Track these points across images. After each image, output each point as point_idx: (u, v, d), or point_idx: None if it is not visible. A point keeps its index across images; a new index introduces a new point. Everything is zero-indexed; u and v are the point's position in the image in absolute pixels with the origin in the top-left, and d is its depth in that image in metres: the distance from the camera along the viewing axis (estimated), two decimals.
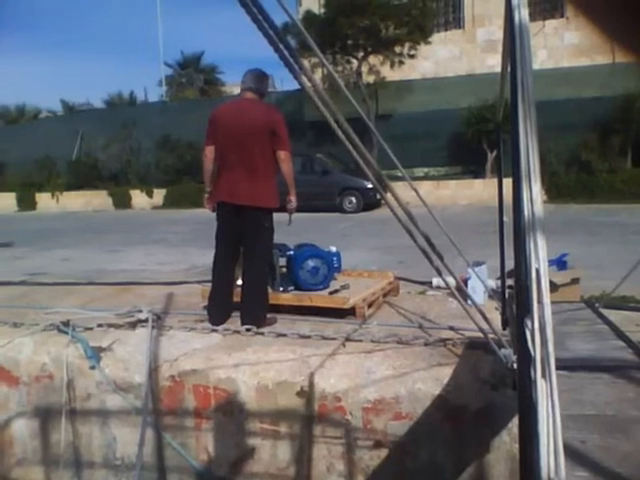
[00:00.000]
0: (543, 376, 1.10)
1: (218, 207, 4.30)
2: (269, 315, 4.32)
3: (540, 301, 1.16)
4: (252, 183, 4.11)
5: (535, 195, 1.21)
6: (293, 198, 4.35)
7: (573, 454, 1.76)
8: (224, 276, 4.36)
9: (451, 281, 2.39)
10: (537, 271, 1.17)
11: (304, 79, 1.45)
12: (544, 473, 1.04)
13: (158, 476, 3.89)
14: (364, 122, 2.54)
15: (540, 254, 1.18)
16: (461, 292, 2.47)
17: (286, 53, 1.39)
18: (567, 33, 18.24)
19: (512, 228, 1.52)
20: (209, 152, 4.28)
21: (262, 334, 4.04)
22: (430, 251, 1.98)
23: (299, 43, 12.52)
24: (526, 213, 1.22)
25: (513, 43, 1.42)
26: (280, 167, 4.16)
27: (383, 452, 3.36)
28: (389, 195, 1.99)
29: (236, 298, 4.38)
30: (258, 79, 4.28)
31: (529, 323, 1.18)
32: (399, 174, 3.04)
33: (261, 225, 4.17)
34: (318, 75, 13.74)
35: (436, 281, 5.18)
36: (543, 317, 1.14)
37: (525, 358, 1.23)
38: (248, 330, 4.08)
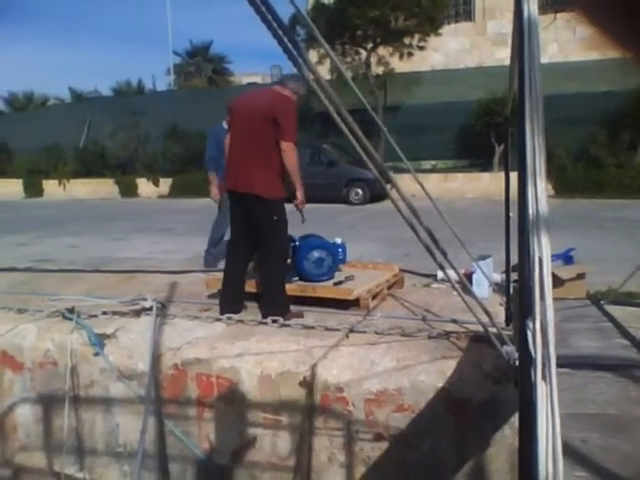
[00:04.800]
0: (543, 378, 1.10)
1: (227, 194, 4.33)
2: (295, 310, 4.28)
3: (543, 302, 1.15)
4: (251, 171, 4.06)
5: (540, 194, 1.20)
6: (298, 193, 4.25)
7: (573, 454, 1.75)
8: (234, 265, 4.33)
9: (454, 275, 2.38)
10: (540, 272, 1.15)
11: (308, 73, 1.44)
12: (542, 478, 1.04)
13: (160, 463, 3.92)
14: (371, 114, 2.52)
15: (544, 255, 1.16)
16: (464, 286, 2.45)
17: (290, 47, 1.37)
18: (579, 26, 18.06)
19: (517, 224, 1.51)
20: (227, 139, 4.34)
21: (265, 324, 4.05)
22: (433, 246, 1.96)
23: (307, 34, 12.48)
24: (530, 212, 1.20)
25: (521, 38, 1.40)
26: (283, 159, 4.03)
27: (385, 444, 3.36)
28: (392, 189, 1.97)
29: (249, 288, 4.41)
30: (289, 75, 4.40)
31: (531, 324, 1.17)
32: (405, 166, 3.03)
33: (269, 217, 4.09)
34: (326, 66, 13.64)
35: (441, 274, 5.16)
36: (545, 318, 1.13)
37: (526, 359, 1.22)
38: (274, 321, 4.03)
